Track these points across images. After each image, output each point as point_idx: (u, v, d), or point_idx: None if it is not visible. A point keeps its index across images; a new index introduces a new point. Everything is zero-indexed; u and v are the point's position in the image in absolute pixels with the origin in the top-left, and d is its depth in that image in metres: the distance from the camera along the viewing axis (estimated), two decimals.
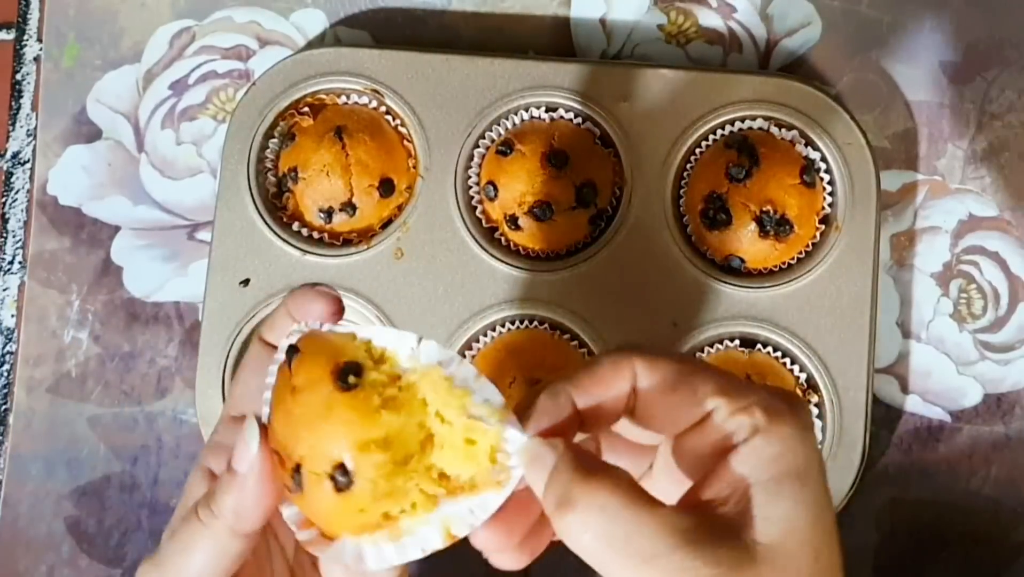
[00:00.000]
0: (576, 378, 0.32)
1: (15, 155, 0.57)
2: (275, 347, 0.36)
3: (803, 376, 0.51)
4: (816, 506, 0.30)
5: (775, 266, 0.52)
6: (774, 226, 0.51)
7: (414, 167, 0.54)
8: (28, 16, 0.58)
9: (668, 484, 0.34)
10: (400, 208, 0.53)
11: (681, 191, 0.53)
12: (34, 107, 0.57)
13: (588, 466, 0.30)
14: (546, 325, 0.52)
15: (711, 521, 0.30)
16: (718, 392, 0.31)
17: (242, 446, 0.33)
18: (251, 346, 0.38)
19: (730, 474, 0.30)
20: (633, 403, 0.32)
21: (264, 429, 0.32)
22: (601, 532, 0.29)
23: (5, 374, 0.56)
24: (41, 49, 0.58)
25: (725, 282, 0.51)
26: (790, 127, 0.52)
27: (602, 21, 0.57)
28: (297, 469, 0.31)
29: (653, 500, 0.30)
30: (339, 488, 0.30)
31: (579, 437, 0.33)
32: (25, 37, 0.58)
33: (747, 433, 0.30)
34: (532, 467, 0.31)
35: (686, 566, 0.28)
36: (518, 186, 0.52)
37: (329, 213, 0.53)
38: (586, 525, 0.29)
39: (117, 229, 0.56)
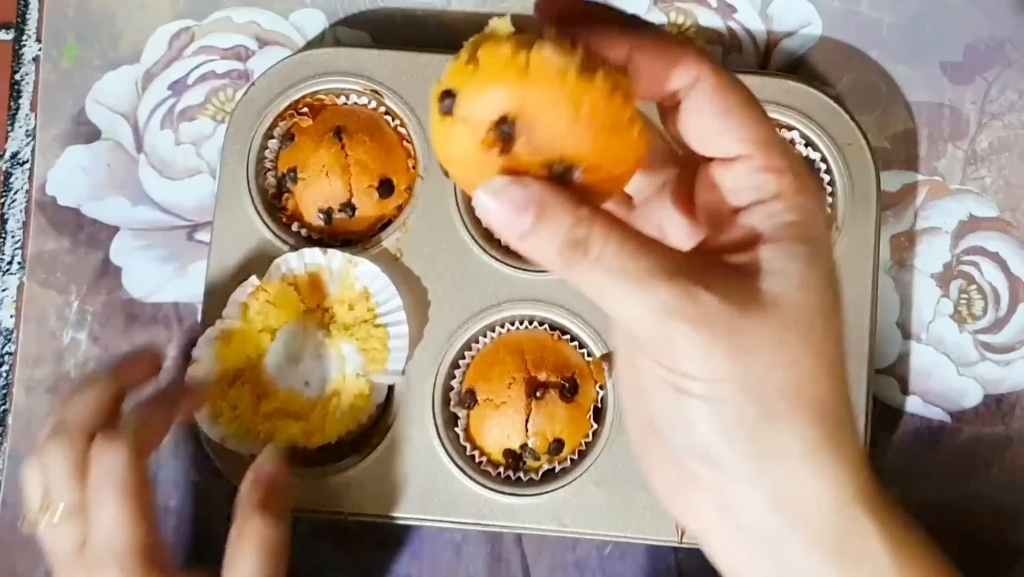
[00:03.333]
0: (642, 34, 0.30)
1: (14, 155, 0.57)
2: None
3: None
4: (829, 277, 0.30)
5: None
6: None
7: (414, 167, 0.53)
8: (27, 16, 0.58)
9: (677, 228, 0.33)
10: (400, 208, 0.53)
11: None
12: (33, 107, 0.57)
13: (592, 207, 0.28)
14: (546, 325, 0.52)
15: (721, 264, 0.29)
16: (757, 142, 0.30)
17: None
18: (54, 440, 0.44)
19: (743, 226, 0.30)
20: (675, 101, 0.31)
21: None
22: (615, 265, 0.28)
23: (4, 375, 0.55)
24: (40, 49, 0.58)
25: None
26: (790, 127, 0.52)
27: None
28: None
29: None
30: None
31: None
32: (24, 37, 0.58)
33: (771, 192, 0.29)
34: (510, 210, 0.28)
35: (692, 291, 0.28)
36: None
37: (328, 213, 0.53)
38: (599, 269, 0.28)
39: (116, 230, 0.56)
